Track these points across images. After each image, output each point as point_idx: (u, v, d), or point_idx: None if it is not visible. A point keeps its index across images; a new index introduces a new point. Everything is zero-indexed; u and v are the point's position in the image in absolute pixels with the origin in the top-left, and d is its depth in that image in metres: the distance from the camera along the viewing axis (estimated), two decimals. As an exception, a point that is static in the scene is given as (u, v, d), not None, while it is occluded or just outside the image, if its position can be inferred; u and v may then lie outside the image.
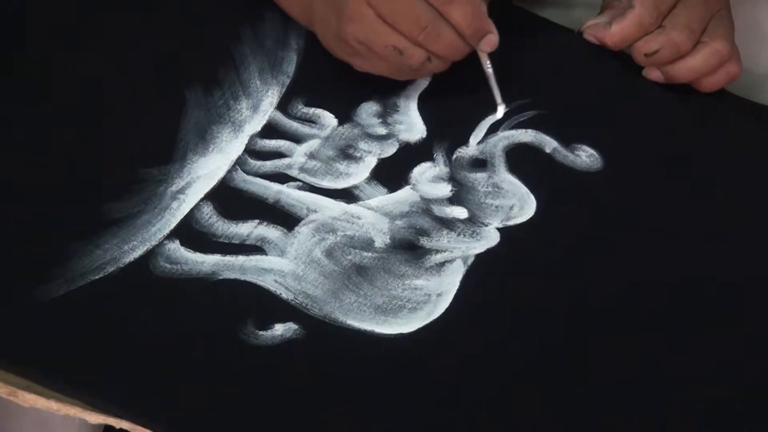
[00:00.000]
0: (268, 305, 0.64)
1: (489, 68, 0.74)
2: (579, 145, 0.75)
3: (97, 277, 0.64)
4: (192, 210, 0.68)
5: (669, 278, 0.69)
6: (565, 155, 0.74)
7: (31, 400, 0.60)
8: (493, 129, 0.76)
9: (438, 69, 0.72)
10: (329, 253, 0.67)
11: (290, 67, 0.77)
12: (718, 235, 0.72)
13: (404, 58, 0.70)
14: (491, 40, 0.72)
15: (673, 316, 0.67)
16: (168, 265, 0.65)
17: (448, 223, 0.70)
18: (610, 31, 0.78)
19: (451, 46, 0.70)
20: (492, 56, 0.74)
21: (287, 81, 0.76)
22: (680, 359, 0.65)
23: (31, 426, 0.87)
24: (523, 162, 0.74)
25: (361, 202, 0.70)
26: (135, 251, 0.66)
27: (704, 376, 0.64)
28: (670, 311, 0.67)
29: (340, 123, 0.74)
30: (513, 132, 0.75)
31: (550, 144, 0.75)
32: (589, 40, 0.80)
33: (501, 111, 0.76)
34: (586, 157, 0.74)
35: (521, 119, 0.76)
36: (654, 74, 0.78)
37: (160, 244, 0.66)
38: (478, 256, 0.69)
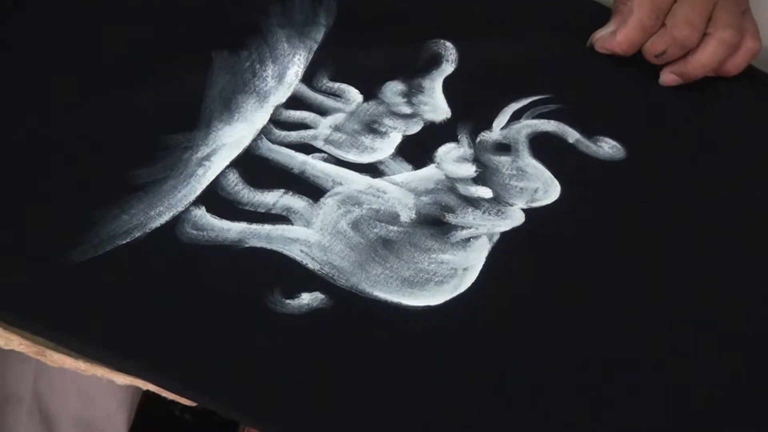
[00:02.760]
0: (294, 274, 0.63)
1: None
2: (601, 137, 0.75)
3: (123, 242, 0.63)
4: (218, 177, 0.67)
5: (693, 267, 0.69)
6: (587, 145, 0.74)
7: (59, 360, 0.59)
8: (516, 116, 0.75)
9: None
10: (355, 225, 0.67)
11: (318, 36, 0.76)
12: (741, 223, 0.71)
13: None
14: None
15: (695, 304, 0.67)
16: (194, 232, 0.64)
17: (473, 201, 0.69)
18: (617, 39, 0.78)
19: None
20: (511, 53, 0.75)
21: (314, 47, 0.75)
22: (706, 341, 0.65)
23: (74, 398, 0.86)
24: (547, 149, 0.73)
25: (386, 177, 0.70)
26: (161, 217, 0.65)
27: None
28: (692, 299, 0.67)
29: (366, 99, 0.74)
30: (536, 121, 0.75)
31: (572, 135, 0.75)
32: (601, 52, 0.79)
33: None
34: (608, 147, 0.74)
35: (543, 110, 0.76)
36: (670, 78, 0.78)
37: (186, 210, 0.65)
38: (504, 234, 0.68)
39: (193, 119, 0.70)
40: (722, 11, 0.76)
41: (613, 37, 0.78)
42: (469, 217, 0.68)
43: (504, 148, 0.73)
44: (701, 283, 0.68)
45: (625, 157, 0.74)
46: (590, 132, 0.75)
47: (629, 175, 0.73)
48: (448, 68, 0.77)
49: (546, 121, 0.75)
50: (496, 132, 0.74)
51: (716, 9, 0.76)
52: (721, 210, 0.72)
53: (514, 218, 0.69)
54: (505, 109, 0.75)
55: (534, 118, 0.75)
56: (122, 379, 0.58)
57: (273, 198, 0.67)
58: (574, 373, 0.62)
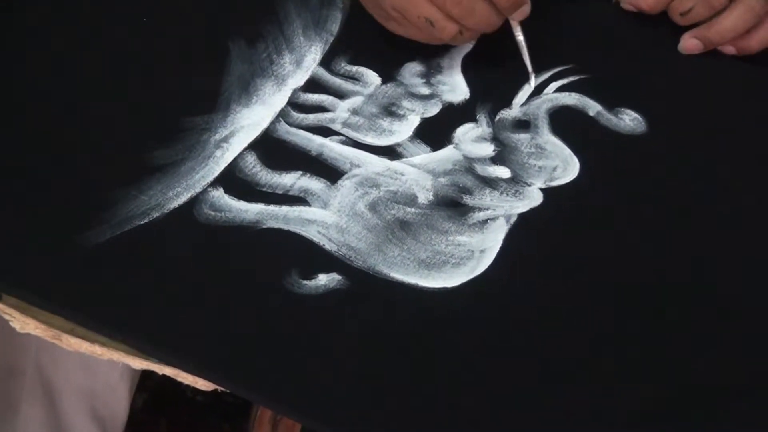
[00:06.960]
0: (311, 255, 0.64)
1: (520, 36, 0.74)
2: (623, 109, 0.74)
3: (141, 223, 0.64)
4: (236, 159, 0.68)
5: (714, 240, 0.68)
6: (608, 118, 0.74)
7: (75, 344, 0.59)
8: (537, 92, 0.75)
9: (467, 41, 0.72)
10: (372, 207, 0.67)
11: (334, 26, 0.77)
12: (761, 198, 0.71)
13: (435, 30, 0.69)
14: (524, 10, 0.71)
15: (715, 279, 0.66)
16: (212, 212, 0.65)
17: (491, 182, 0.69)
18: None
19: (484, 21, 0.70)
20: (535, 22, 0.73)
21: (330, 39, 0.76)
22: (732, 318, 0.64)
23: (76, 370, 0.87)
24: (567, 124, 0.73)
25: (404, 159, 0.70)
26: (179, 198, 0.65)
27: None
28: (710, 274, 0.66)
29: (384, 81, 0.74)
30: (557, 95, 0.75)
31: (593, 107, 0.74)
32: (626, 9, 0.79)
33: (533, 81, 0.75)
34: (629, 120, 0.74)
35: (565, 83, 0.75)
36: (691, 43, 0.77)
37: (204, 191, 0.66)
38: (521, 215, 0.68)
39: (212, 102, 0.70)
40: None
41: None
42: (486, 198, 0.68)
43: (523, 125, 0.73)
44: (728, 259, 0.67)
45: (646, 131, 0.73)
46: (612, 103, 0.74)
47: (650, 150, 0.72)
48: (467, 46, 0.77)
49: (567, 94, 0.75)
50: (515, 109, 0.74)
51: None
52: (745, 185, 0.71)
53: (532, 199, 0.69)
54: (525, 85, 0.75)
55: (555, 91, 0.75)
56: (138, 364, 0.59)
57: (290, 180, 0.67)
58: (591, 355, 0.62)
